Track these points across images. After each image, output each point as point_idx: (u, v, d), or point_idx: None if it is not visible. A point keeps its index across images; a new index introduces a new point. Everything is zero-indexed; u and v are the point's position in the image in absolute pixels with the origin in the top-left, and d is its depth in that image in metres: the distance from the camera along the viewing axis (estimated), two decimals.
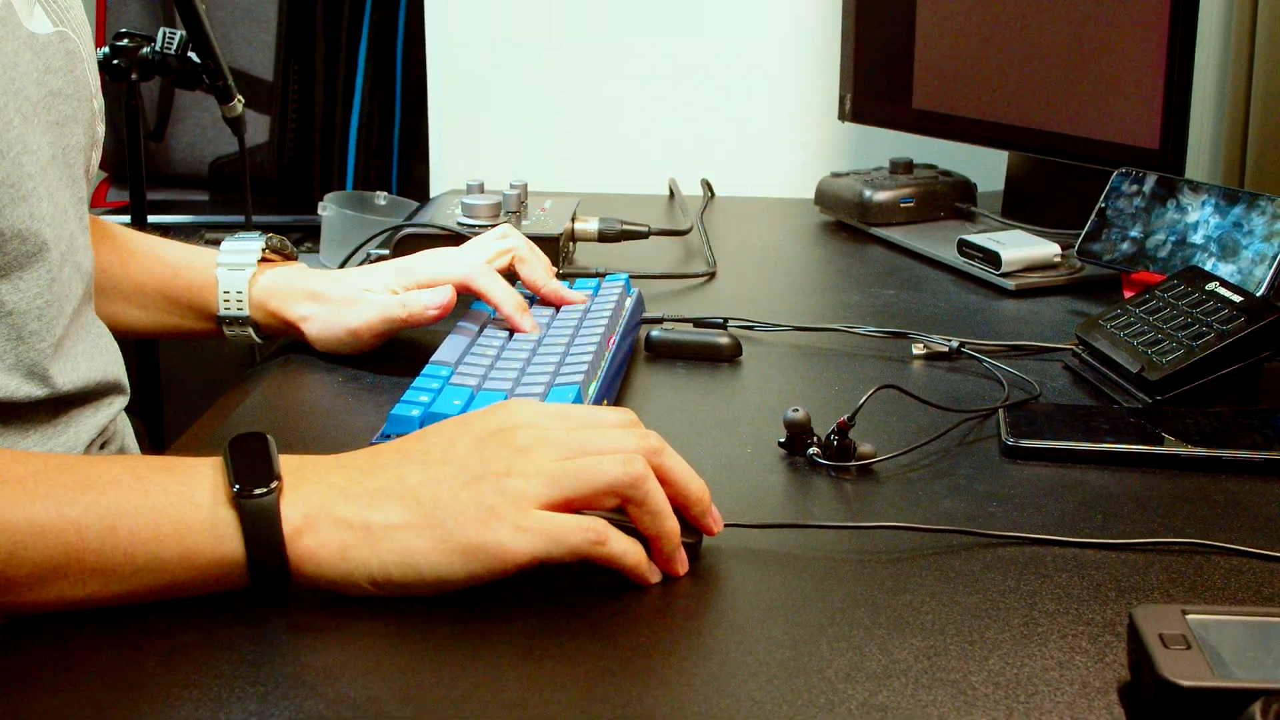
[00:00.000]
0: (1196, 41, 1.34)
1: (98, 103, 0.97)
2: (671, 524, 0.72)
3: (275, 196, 2.51)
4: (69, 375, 0.91)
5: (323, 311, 1.09)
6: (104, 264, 1.11)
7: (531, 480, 0.69)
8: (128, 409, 1.12)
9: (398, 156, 2.58)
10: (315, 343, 1.10)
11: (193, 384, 2.03)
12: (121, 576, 0.68)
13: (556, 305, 1.12)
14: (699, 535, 0.76)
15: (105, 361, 0.96)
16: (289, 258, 1.16)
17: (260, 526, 0.68)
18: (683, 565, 0.74)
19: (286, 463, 0.71)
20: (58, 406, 0.91)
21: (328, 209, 1.84)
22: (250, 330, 1.12)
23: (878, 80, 1.73)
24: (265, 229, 1.18)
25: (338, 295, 1.09)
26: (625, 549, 0.71)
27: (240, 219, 2.23)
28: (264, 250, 1.13)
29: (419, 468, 0.70)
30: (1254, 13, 1.59)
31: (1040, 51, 1.50)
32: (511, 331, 1.06)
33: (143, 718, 0.61)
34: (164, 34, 1.60)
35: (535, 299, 1.14)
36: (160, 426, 1.92)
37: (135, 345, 1.91)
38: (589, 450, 0.71)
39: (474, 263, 1.10)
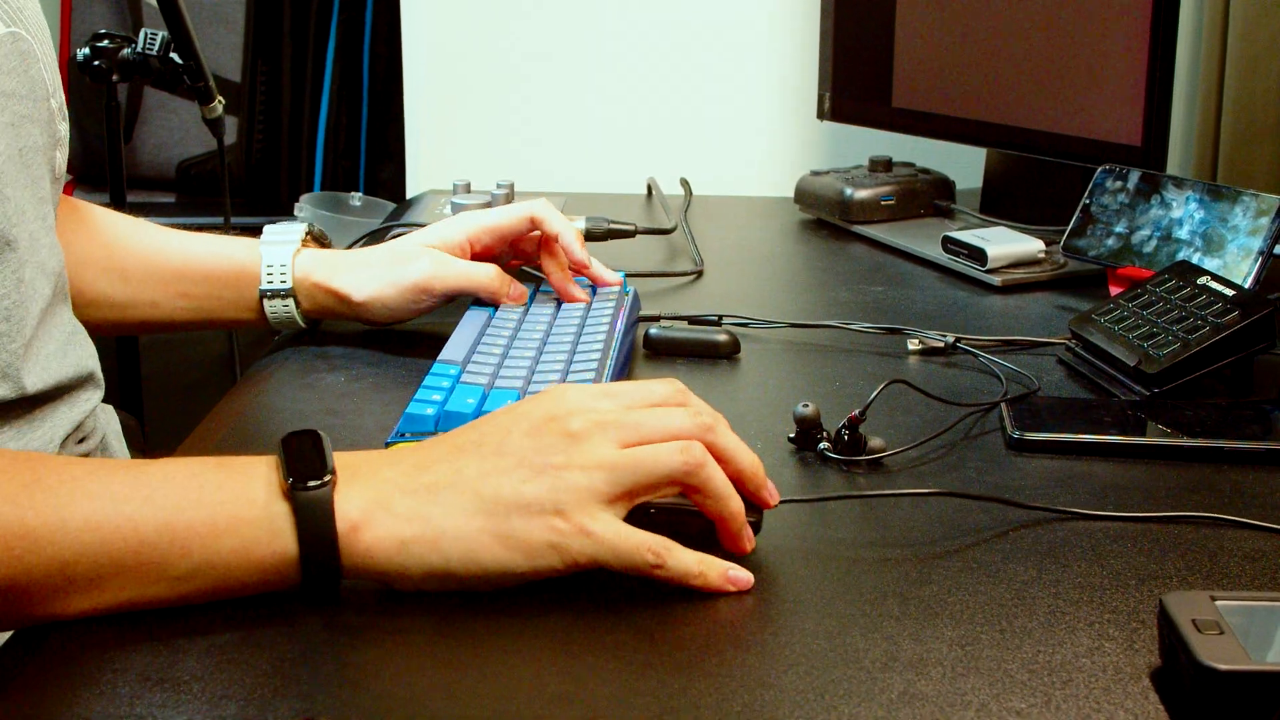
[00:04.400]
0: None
1: (55, 102, 0.96)
2: (735, 504, 0.72)
3: (243, 197, 2.50)
4: (38, 377, 0.90)
5: (373, 273, 1.10)
6: (142, 250, 1.10)
7: (592, 474, 0.69)
8: (116, 404, 1.12)
9: (365, 157, 2.57)
10: (365, 308, 1.10)
11: (173, 382, 2.03)
12: (178, 576, 0.67)
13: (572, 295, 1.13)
14: (759, 512, 0.76)
15: (79, 356, 0.96)
16: (326, 246, 1.17)
17: (314, 519, 0.68)
18: (749, 542, 0.74)
19: (340, 458, 0.71)
20: (31, 404, 0.91)
21: (304, 210, 1.83)
22: (292, 305, 1.11)
23: (857, 79, 1.74)
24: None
25: (388, 257, 1.10)
26: (686, 569, 0.70)
27: (213, 220, 2.22)
28: (305, 236, 1.14)
29: (475, 460, 0.70)
30: (1226, 11, 1.62)
31: (1022, 49, 1.52)
32: (518, 326, 1.06)
33: (191, 715, 0.60)
34: (145, 34, 1.59)
35: (540, 286, 1.15)
36: (140, 423, 1.91)
37: (115, 342, 1.90)
38: (645, 433, 0.71)
39: (534, 201, 1.13)
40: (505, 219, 1.13)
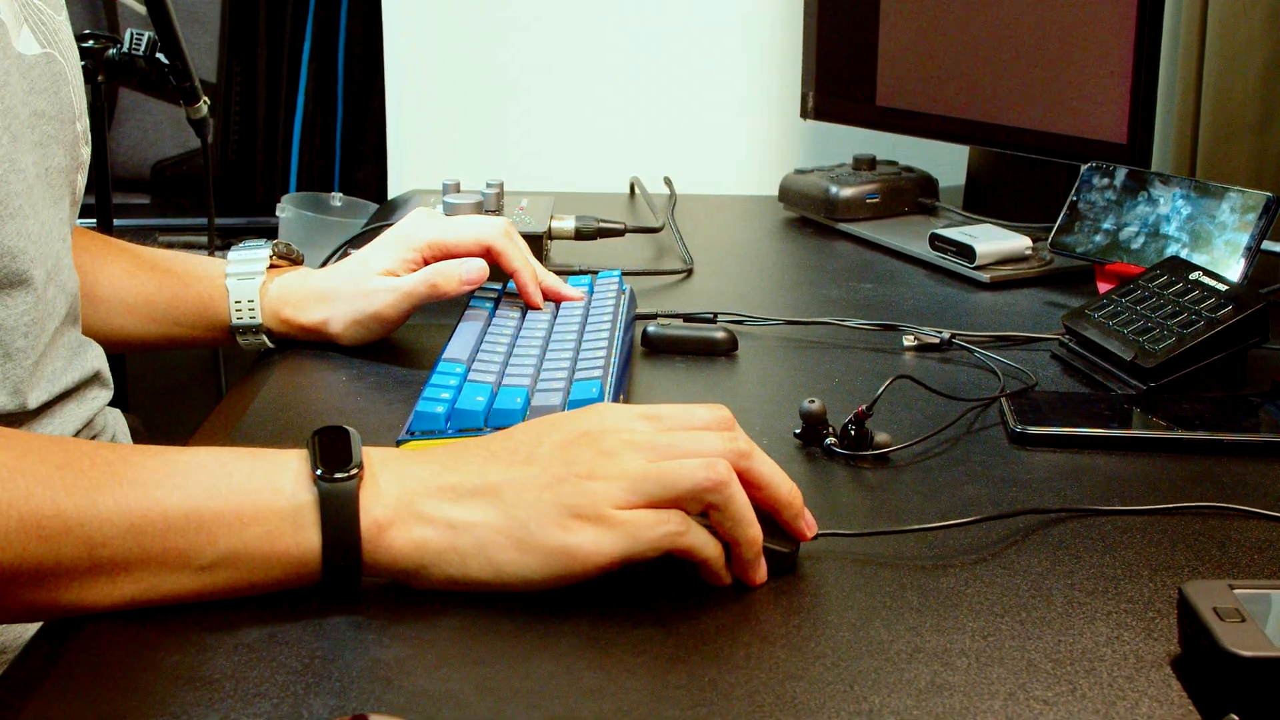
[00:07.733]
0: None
1: (81, 125, 0.96)
2: (753, 531, 0.71)
3: (219, 197, 2.49)
4: (44, 390, 0.91)
5: (339, 310, 1.09)
6: (110, 277, 1.10)
7: (613, 483, 0.69)
8: (125, 407, 1.12)
9: (340, 157, 2.57)
10: (341, 339, 1.10)
11: (160, 383, 2.02)
12: (202, 566, 0.68)
13: (555, 299, 1.12)
14: (796, 544, 0.75)
15: (84, 361, 0.96)
16: (295, 262, 1.16)
17: (338, 511, 0.68)
18: (761, 575, 0.73)
19: (369, 454, 0.71)
20: (35, 411, 0.91)
21: (286, 210, 1.83)
22: (264, 337, 1.12)
23: (840, 78, 1.75)
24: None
25: (348, 289, 1.09)
26: (705, 541, 0.70)
27: (191, 220, 2.22)
28: (271, 257, 1.13)
29: (503, 466, 0.70)
30: (1204, 8, 1.63)
31: (1006, 47, 1.53)
32: (519, 324, 1.06)
33: (225, 713, 0.61)
34: (131, 35, 1.59)
35: (504, 290, 1.14)
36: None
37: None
38: (674, 453, 0.70)
39: (495, 225, 1.10)
40: (458, 239, 1.08)
